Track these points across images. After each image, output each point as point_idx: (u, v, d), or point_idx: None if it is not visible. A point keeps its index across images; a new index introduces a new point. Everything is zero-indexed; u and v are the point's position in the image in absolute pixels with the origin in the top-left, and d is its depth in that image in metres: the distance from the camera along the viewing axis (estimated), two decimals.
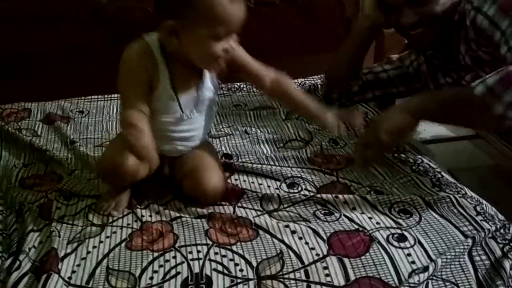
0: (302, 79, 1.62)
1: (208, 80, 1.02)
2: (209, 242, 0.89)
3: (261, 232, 0.91)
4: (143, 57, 0.95)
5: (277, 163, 1.16)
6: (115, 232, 0.93)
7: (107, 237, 0.91)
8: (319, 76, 1.59)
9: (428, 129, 1.80)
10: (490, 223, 0.91)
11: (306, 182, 1.08)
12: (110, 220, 0.96)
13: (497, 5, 1.01)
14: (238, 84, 1.63)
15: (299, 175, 1.11)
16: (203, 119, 1.04)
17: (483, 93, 0.93)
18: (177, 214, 0.97)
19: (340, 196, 1.00)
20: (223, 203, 1.01)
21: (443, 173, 1.09)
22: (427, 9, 1.09)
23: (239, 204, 1.01)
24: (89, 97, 1.58)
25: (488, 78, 0.94)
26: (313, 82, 1.60)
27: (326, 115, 1.03)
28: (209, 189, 0.99)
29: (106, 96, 1.59)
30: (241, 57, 1.02)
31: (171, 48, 0.94)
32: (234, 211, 0.99)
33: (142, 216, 0.97)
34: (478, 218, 0.92)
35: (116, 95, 1.58)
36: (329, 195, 1.00)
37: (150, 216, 0.97)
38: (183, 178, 1.02)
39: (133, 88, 0.94)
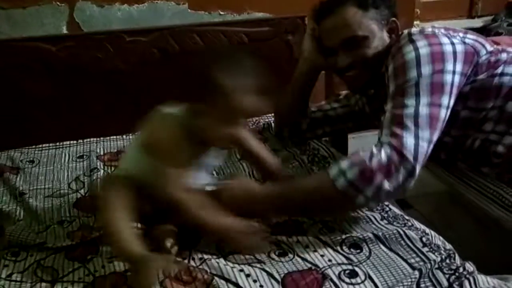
0: (257, 118, 1.65)
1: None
2: None
3: (216, 278, 0.91)
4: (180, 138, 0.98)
5: None
6: None
7: None
8: (272, 114, 1.63)
9: None
10: (436, 253, 0.94)
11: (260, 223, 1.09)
12: (60, 275, 0.94)
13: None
14: None
15: None
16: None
17: (344, 187, 0.96)
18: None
19: (294, 237, 1.02)
20: None
21: (390, 206, 1.13)
22: (360, 52, 1.15)
23: (195, 248, 1.01)
24: (40, 145, 1.55)
25: (347, 169, 0.96)
26: (267, 120, 1.64)
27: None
28: None
29: (57, 144, 1.56)
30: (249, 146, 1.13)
31: (196, 127, 0.98)
32: (190, 255, 0.98)
33: (96, 271, 0.95)
34: (425, 249, 0.96)
35: (68, 142, 1.56)
36: (283, 236, 1.02)
37: (103, 268, 0.96)
38: None
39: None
